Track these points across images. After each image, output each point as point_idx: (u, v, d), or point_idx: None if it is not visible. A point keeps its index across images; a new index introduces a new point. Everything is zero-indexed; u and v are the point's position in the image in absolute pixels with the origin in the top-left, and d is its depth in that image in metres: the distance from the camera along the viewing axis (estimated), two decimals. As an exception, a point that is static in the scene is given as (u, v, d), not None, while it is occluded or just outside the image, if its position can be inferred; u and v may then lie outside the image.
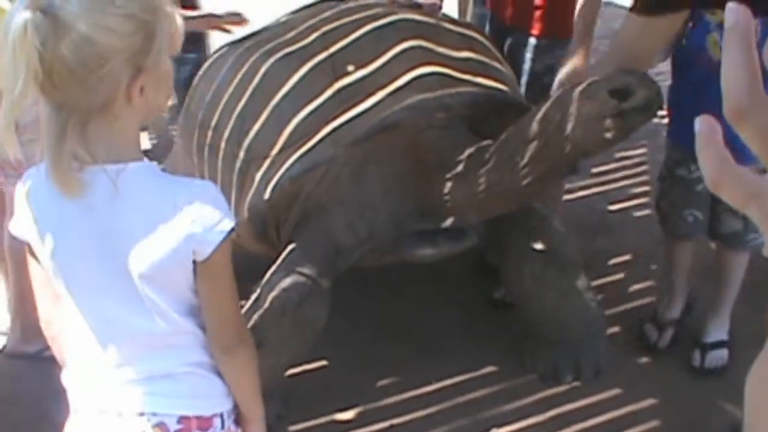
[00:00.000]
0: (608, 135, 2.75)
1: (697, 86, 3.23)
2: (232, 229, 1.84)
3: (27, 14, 1.57)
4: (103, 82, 1.66)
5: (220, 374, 2.01)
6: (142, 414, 1.92)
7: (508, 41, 4.01)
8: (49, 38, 1.58)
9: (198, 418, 1.97)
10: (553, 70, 3.70)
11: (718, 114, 0.62)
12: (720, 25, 3.09)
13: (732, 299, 3.75)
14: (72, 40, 1.60)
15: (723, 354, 3.75)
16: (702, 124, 0.62)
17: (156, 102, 1.81)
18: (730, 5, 0.60)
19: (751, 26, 0.59)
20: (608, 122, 2.71)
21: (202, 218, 1.79)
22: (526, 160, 2.99)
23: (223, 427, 2.02)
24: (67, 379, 2.02)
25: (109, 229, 1.77)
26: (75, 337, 1.95)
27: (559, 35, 3.80)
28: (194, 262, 1.84)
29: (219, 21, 4.01)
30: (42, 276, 1.95)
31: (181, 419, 1.94)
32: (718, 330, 3.78)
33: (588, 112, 2.74)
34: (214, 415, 2.00)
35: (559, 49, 3.78)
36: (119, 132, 1.75)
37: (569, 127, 2.81)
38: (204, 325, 1.95)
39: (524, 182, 3.04)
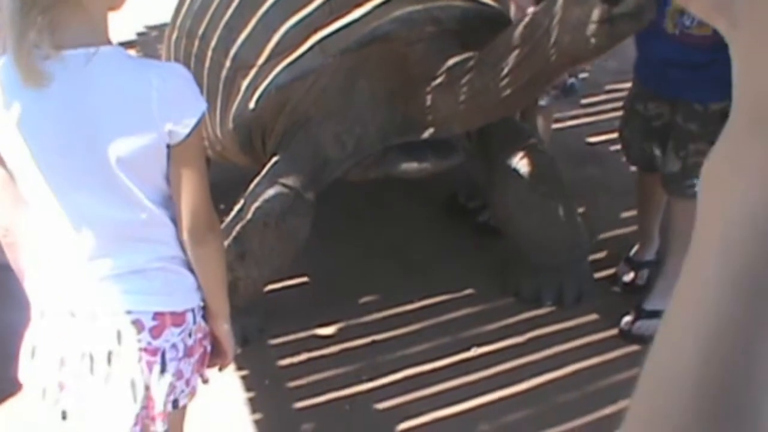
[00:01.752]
0: (596, 41, 2.69)
1: (660, 32, 3.16)
2: (204, 113, 1.82)
3: None
4: None
5: (190, 269, 1.99)
6: (115, 313, 1.90)
7: None
8: None
9: (172, 313, 1.96)
10: None
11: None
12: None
13: (681, 262, 3.47)
14: None
15: (656, 324, 3.50)
16: None
17: None
18: None
19: None
20: (597, 28, 2.65)
21: (178, 100, 1.77)
22: (511, 66, 2.95)
23: (194, 322, 2.02)
24: (31, 283, 1.98)
25: (83, 116, 1.74)
26: (43, 237, 1.91)
27: None
28: (168, 146, 1.81)
29: None
30: (1, 178, 1.91)
31: (156, 315, 1.94)
32: (662, 298, 3.41)
33: (577, 17, 2.69)
34: (186, 310, 1.99)
35: None
36: (86, 19, 1.72)
37: (557, 32, 2.76)
38: (174, 218, 1.94)
39: (510, 90, 3.00)
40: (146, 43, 6.48)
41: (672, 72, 3.22)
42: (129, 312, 1.91)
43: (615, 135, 4.85)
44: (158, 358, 1.95)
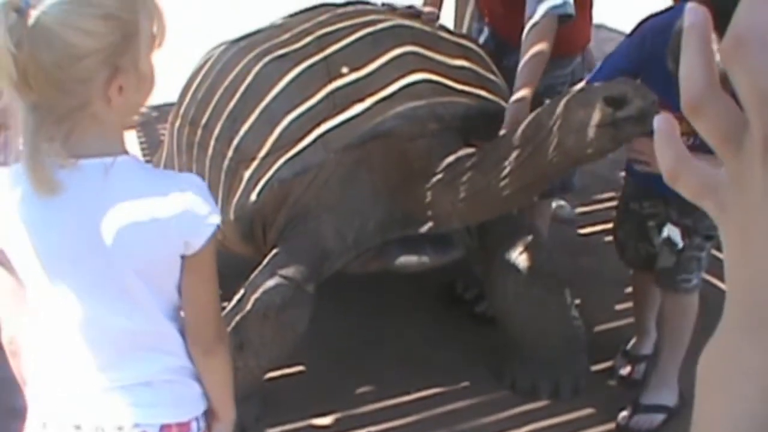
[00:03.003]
0: (600, 144, 2.73)
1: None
2: (219, 225, 1.83)
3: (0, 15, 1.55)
4: (79, 83, 1.63)
5: (197, 378, 1.99)
6: (122, 427, 1.88)
7: (510, 59, 3.84)
8: (23, 40, 1.56)
9: (178, 424, 1.95)
10: (553, 89, 3.67)
11: None
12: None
13: (675, 356, 3.46)
14: (46, 42, 1.58)
15: (654, 419, 3.51)
16: (661, 120, 0.63)
17: (137, 100, 1.78)
18: (689, 5, 0.60)
19: (710, 25, 0.59)
20: (601, 131, 2.69)
21: (193, 211, 1.77)
22: (513, 165, 2.98)
23: (198, 429, 2.01)
24: (33, 392, 1.96)
25: (97, 225, 1.74)
26: (49, 346, 1.90)
27: (560, 53, 3.62)
28: (182, 257, 1.82)
29: None
30: (10, 286, 1.90)
31: (163, 428, 1.92)
32: (659, 392, 3.51)
33: (581, 119, 2.72)
34: (191, 419, 1.98)
35: (560, 69, 3.75)
36: (101, 131, 1.73)
37: (560, 133, 2.79)
38: (182, 328, 1.94)
39: (511, 189, 3.04)
40: (147, 124, 6.52)
41: None
42: (136, 425, 1.89)
43: (609, 225, 4.91)
44: None
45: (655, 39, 3.06)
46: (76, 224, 1.75)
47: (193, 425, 1.98)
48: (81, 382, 1.89)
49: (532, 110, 3.15)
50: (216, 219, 1.81)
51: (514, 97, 3.30)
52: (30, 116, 1.67)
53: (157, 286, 1.83)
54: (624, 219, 3.59)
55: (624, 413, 3.52)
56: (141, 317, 1.84)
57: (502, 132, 3.19)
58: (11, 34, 1.54)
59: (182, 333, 1.93)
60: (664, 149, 0.63)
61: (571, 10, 3.35)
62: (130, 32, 1.66)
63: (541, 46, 3.29)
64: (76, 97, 1.65)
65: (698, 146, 2.79)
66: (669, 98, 2.97)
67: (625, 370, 3.78)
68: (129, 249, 1.75)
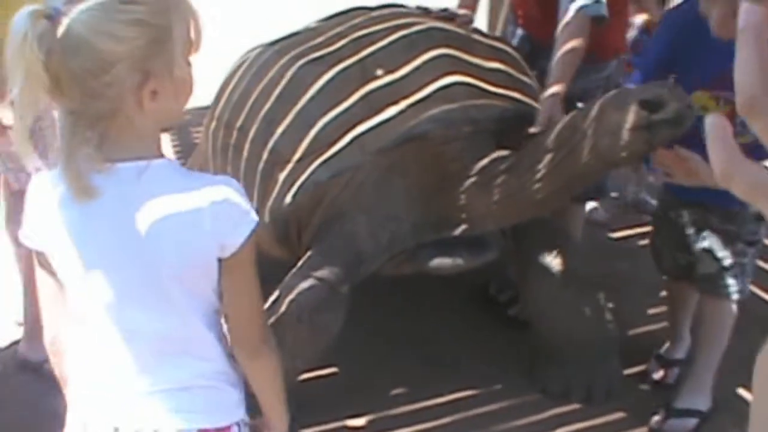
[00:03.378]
0: (635, 147, 2.72)
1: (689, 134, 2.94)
2: (257, 224, 1.83)
3: (29, 22, 1.56)
4: (110, 88, 1.64)
5: (236, 384, 1.99)
6: (160, 430, 1.89)
7: (544, 62, 3.88)
8: (53, 46, 1.57)
9: (217, 429, 1.95)
10: (589, 94, 3.67)
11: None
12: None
13: (711, 362, 3.47)
14: (76, 49, 1.59)
15: (687, 423, 3.49)
16: (714, 119, 0.63)
17: (173, 106, 1.78)
18: (744, 6, 0.61)
19: (765, 25, 0.60)
20: (636, 134, 2.68)
21: (230, 212, 1.78)
22: (548, 168, 2.99)
23: None
24: (74, 394, 1.97)
25: (134, 229, 1.74)
26: (89, 349, 1.92)
27: (595, 57, 3.66)
28: (219, 260, 1.82)
29: None
30: (52, 288, 1.91)
31: None
32: (692, 396, 3.50)
33: (616, 122, 2.71)
34: (231, 425, 1.98)
35: (596, 73, 3.75)
36: (136, 135, 1.73)
37: (595, 136, 2.79)
38: (220, 334, 1.94)
39: (545, 191, 3.05)
40: (181, 127, 6.56)
41: None
42: (175, 430, 1.90)
43: (643, 229, 4.90)
44: None
45: (685, 17, 3.11)
46: (111, 228, 1.76)
47: (234, 429, 1.99)
48: (120, 386, 1.90)
49: (566, 113, 3.15)
50: (253, 218, 1.81)
51: (546, 93, 3.30)
52: (65, 121, 1.69)
53: (193, 290, 1.84)
54: (661, 228, 3.56)
55: (657, 417, 3.51)
56: (176, 321, 1.85)
57: (534, 129, 3.19)
58: (41, 42, 1.56)
59: (220, 338, 1.94)
60: (716, 146, 0.64)
61: (603, 11, 3.36)
62: (162, 37, 1.67)
63: (573, 44, 3.30)
64: (108, 102, 1.66)
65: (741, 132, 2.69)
66: (710, 65, 2.92)
67: (658, 375, 3.77)
68: (164, 252, 1.75)
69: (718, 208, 3.18)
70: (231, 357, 1.97)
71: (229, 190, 1.80)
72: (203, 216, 1.75)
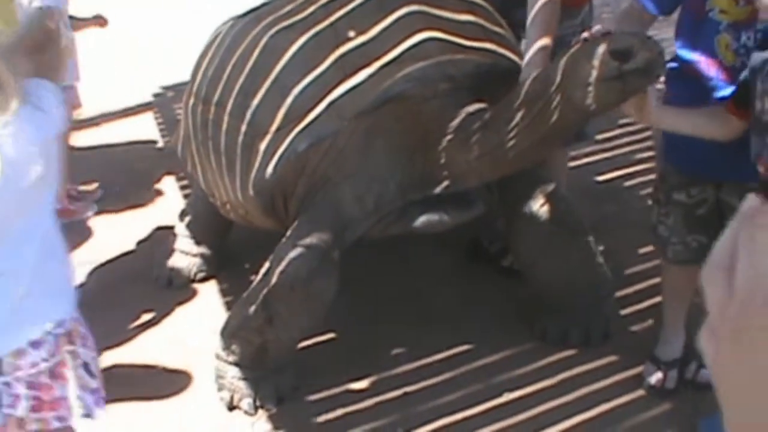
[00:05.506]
0: (607, 97, 2.71)
1: (695, 100, 2.91)
2: None
3: None
4: None
5: None
6: None
7: (518, 13, 3.73)
8: None
9: None
10: (564, 41, 3.64)
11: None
12: (732, 25, 2.82)
13: None
14: None
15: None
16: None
17: None
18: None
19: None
20: (608, 84, 2.67)
21: None
22: (526, 122, 2.98)
23: None
24: None
25: None
26: None
27: (569, 4, 3.60)
28: None
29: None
30: None
31: None
32: None
33: (588, 73, 2.70)
34: None
35: (570, 19, 3.71)
36: None
37: (568, 88, 2.78)
38: None
39: (525, 145, 3.04)
40: (162, 103, 6.57)
41: (715, 150, 2.84)
42: None
43: (630, 170, 4.92)
44: None
45: None
46: None
47: None
48: None
49: None
50: None
51: (534, 48, 3.25)
52: None
53: None
54: (666, 213, 3.23)
55: (690, 368, 3.46)
56: None
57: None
58: None
59: None
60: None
61: None
62: None
63: (550, 8, 3.26)
64: None
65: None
66: None
67: (656, 378, 3.50)
68: None
69: (734, 183, 2.98)
70: None
71: None
72: None
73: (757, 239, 0.60)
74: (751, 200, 0.64)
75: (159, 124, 6.25)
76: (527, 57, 3.27)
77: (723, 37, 2.86)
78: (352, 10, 3.47)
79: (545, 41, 3.25)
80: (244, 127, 3.47)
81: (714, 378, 0.66)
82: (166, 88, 6.78)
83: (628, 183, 4.88)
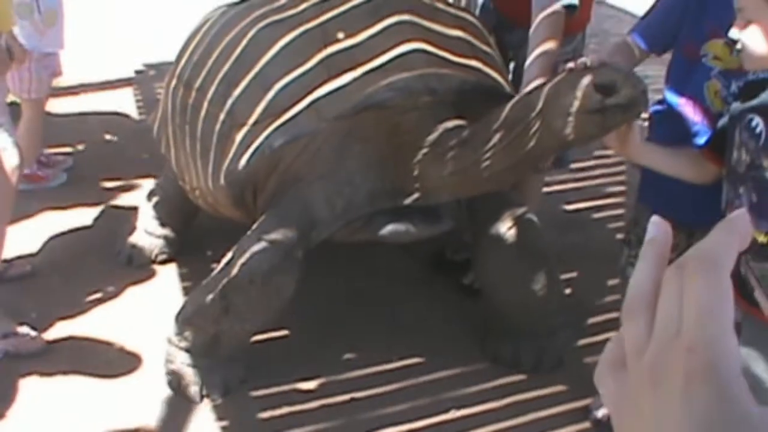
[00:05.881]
0: (587, 129, 2.71)
1: (679, 143, 2.90)
2: None
3: None
4: None
5: None
6: None
7: (512, 36, 3.88)
8: None
9: None
10: (556, 67, 3.65)
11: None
12: (724, 73, 2.83)
13: None
14: None
15: None
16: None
17: None
18: (654, 219, 0.69)
19: (669, 241, 0.67)
20: (589, 116, 2.66)
21: None
22: (502, 144, 2.98)
23: None
24: None
25: None
26: None
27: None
28: None
29: None
30: None
31: None
32: None
33: (569, 104, 2.70)
34: None
35: (562, 47, 3.74)
36: None
37: (549, 116, 2.78)
38: None
39: (499, 167, 3.04)
40: (144, 82, 6.54)
41: (688, 196, 2.85)
42: None
43: (599, 202, 4.94)
44: None
45: None
46: None
47: None
48: None
49: None
50: None
51: (538, 51, 3.24)
52: None
53: None
54: (636, 255, 3.09)
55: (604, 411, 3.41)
56: None
57: None
58: None
59: None
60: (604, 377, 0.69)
61: (576, 1, 3.34)
62: None
63: (551, 44, 3.26)
64: None
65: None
66: (727, 13, 2.82)
67: (602, 412, 3.42)
68: None
69: (705, 231, 2.91)
70: None
71: None
72: None
73: (678, 284, 0.61)
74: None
75: (137, 101, 6.22)
76: (529, 61, 3.25)
77: (713, 84, 2.88)
78: (344, 12, 3.47)
79: (550, 45, 3.24)
80: (222, 116, 3.46)
81: (614, 417, 0.67)
82: (149, 66, 6.75)
83: (596, 215, 4.90)
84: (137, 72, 6.70)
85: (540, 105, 2.82)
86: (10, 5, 3.54)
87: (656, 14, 3.09)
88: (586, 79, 2.67)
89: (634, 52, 3.11)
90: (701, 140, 2.87)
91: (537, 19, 3.30)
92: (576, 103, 2.68)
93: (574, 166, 5.10)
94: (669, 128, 3.02)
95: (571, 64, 2.82)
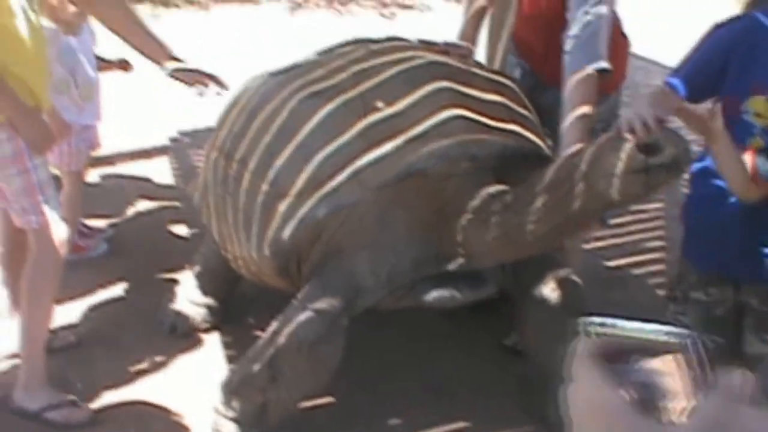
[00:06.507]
0: (632, 190, 2.71)
1: (717, 199, 2.96)
2: None
3: None
4: None
5: None
6: None
7: (547, 97, 3.88)
8: None
9: None
10: (593, 129, 3.66)
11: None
12: (766, 130, 2.83)
13: None
14: None
15: None
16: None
17: None
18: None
19: None
20: (633, 177, 2.67)
21: None
22: (546, 207, 3.00)
23: None
24: None
25: None
26: None
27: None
28: None
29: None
30: None
31: None
32: None
33: (613, 163, 2.71)
34: None
35: (596, 106, 3.75)
36: None
37: (592, 177, 2.80)
38: None
39: (543, 230, 3.05)
40: (180, 149, 6.60)
41: (734, 248, 2.90)
42: None
43: (639, 258, 4.92)
44: None
45: (740, 29, 2.90)
46: None
47: None
48: None
49: None
50: None
51: (573, 116, 3.24)
52: None
53: None
54: (683, 311, 3.19)
55: None
56: None
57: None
58: None
59: None
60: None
61: (605, 64, 3.35)
62: None
63: (586, 108, 3.26)
64: None
65: None
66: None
67: None
68: None
69: (752, 286, 2.99)
70: None
71: None
72: None
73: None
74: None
75: (174, 168, 6.28)
76: (565, 125, 3.24)
77: (756, 141, 2.85)
78: (382, 81, 3.52)
79: (585, 110, 3.23)
80: (265, 187, 3.49)
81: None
82: (184, 134, 6.82)
83: (636, 271, 4.89)
84: (172, 140, 6.76)
85: (583, 167, 2.82)
86: (48, 82, 3.61)
87: (697, 61, 3.00)
88: (629, 140, 2.67)
89: (671, 101, 2.91)
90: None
91: (570, 83, 3.32)
92: (620, 164, 2.68)
93: (612, 221, 5.11)
94: (710, 185, 3.02)
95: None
